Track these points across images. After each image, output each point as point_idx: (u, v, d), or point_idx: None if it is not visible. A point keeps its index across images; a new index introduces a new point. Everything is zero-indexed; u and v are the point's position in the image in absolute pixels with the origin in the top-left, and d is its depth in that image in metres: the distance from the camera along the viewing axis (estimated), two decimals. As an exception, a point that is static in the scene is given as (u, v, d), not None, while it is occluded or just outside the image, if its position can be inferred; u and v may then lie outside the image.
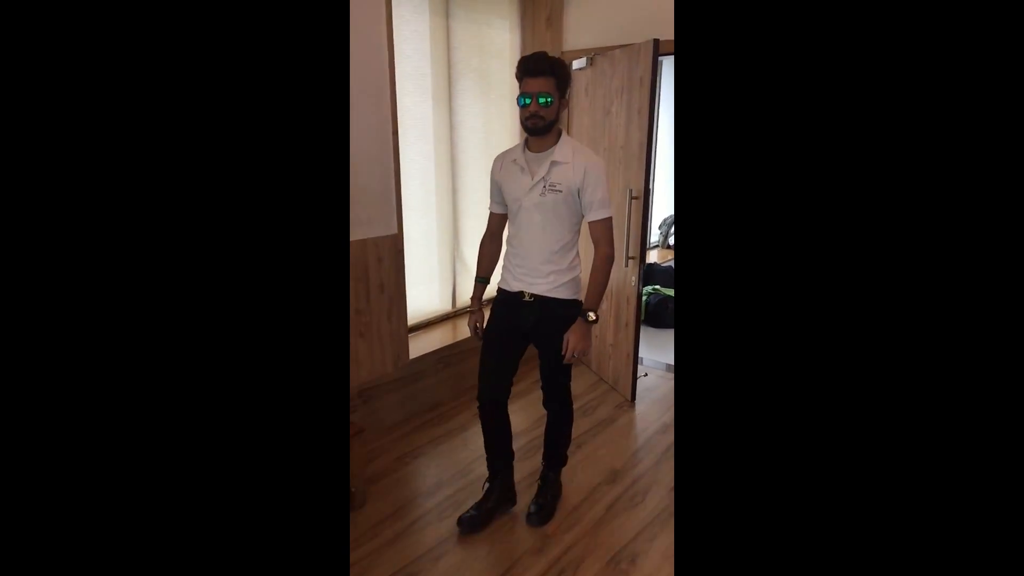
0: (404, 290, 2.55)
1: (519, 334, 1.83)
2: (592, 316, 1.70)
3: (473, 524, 1.88)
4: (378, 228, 2.36)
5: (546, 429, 2.00)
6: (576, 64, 2.99)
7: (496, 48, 3.08)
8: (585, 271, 1.79)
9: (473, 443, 2.45)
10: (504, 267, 1.86)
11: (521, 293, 1.78)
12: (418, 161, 2.76)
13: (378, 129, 2.27)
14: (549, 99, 1.61)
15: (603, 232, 1.71)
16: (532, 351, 1.92)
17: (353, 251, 2.28)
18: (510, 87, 3.20)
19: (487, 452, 1.95)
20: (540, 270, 1.74)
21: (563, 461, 2.06)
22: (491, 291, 1.98)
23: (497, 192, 1.84)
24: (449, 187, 2.99)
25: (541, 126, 1.63)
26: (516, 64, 1.67)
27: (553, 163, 1.66)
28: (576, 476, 2.22)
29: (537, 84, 1.60)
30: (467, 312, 1.97)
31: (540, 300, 1.76)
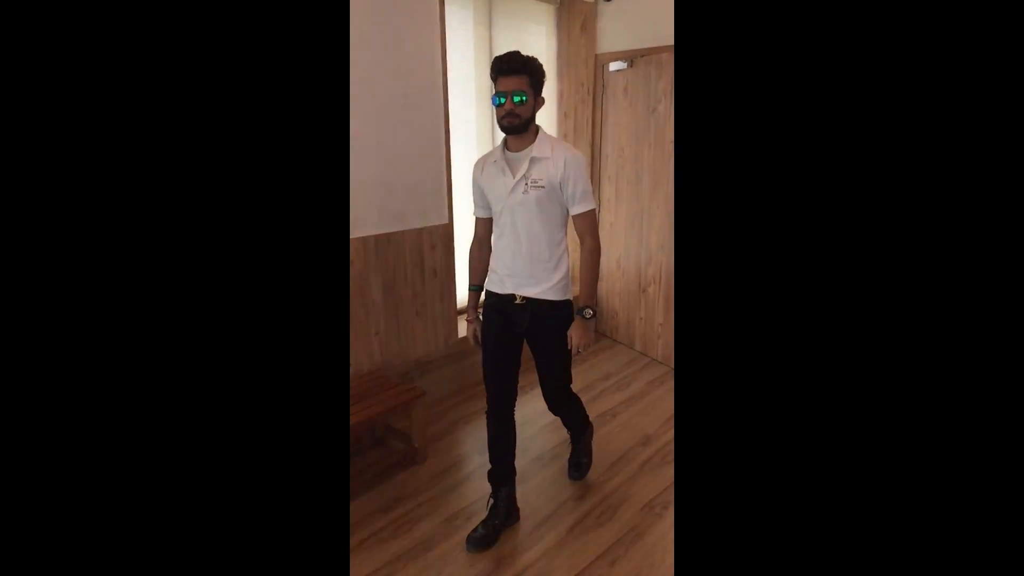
0: (454, 275, 2.81)
1: (514, 336, 1.81)
2: (589, 312, 1.71)
3: (481, 543, 1.83)
4: (432, 218, 2.63)
5: (563, 421, 2.10)
6: (613, 66, 3.22)
7: (534, 52, 3.31)
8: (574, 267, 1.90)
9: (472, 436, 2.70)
10: (492, 270, 1.83)
11: (512, 296, 1.76)
12: (466, 158, 3.03)
13: (432, 129, 2.54)
14: (524, 97, 1.60)
15: (587, 225, 1.70)
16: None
17: (409, 238, 2.56)
18: (545, 89, 3.44)
19: (491, 460, 1.91)
20: (529, 271, 1.72)
21: (588, 432, 2.18)
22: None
23: (480, 196, 1.81)
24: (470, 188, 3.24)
25: (517, 124, 1.62)
26: (491, 64, 1.64)
27: (533, 159, 1.65)
28: (611, 441, 2.45)
29: (511, 83, 1.59)
30: (467, 321, 1.95)
31: (532, 302, 1.74)
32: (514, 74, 1.60)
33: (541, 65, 1.66)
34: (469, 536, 1.85)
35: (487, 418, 1.88)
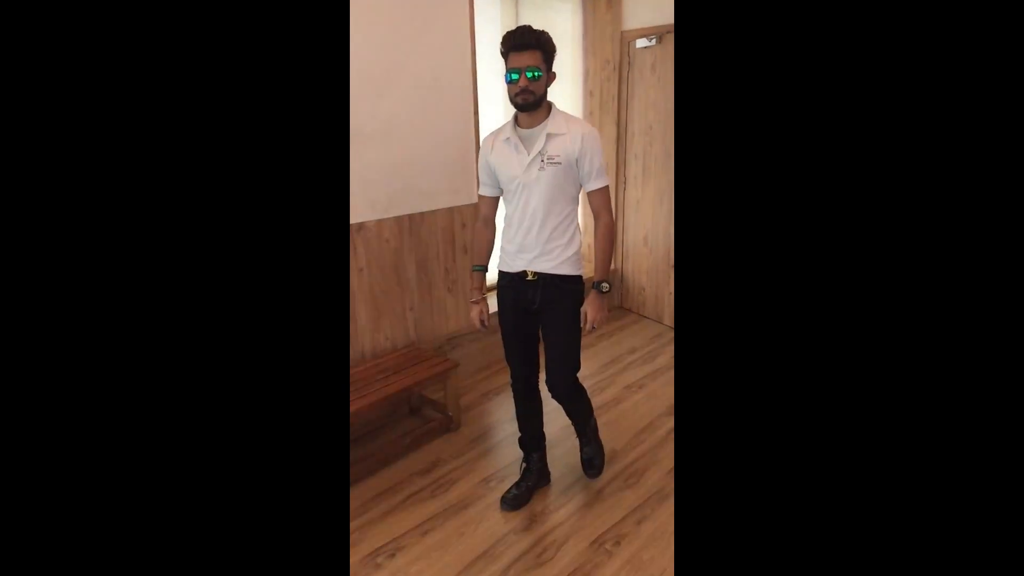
0: (484, 252, 2.90)
1: (528, 313, 1.80)
2: (606, 287, 1.71)
3: (516, 502, 1.93)
4: (462, 197, 2.71)
5: (569, 416, 1.98)
6: (640, 43, 3.23)
7: (560, 31, 3.36)
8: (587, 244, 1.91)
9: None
10: (502, 249, 1.81)
11: (524, 273, 1.75)
12: (493, 138, 3.09)
13: (461, 110, 2.61)
14: (538, 73, 1.56)
15: (602, 201, 1.70)
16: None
17: (441, 217, 2.65)
18: (571, 67, 3.47)
19: (520, 430, 1.99)
20: (543, 247, 1.70)
21: (594, 425, 2.07)
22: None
23: (489, 175, 1.77)
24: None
25: (532, 101, 1.59)
26: (502, 40, 1.60)
27: (549, 135, 1.63)
28: (638, 409, 2.53)
29: (524, 59, 1.55)
30: (471, 303, 1.89)
31: (544, 278, 1.73)
32: (527, 49, 1.55)
33: (552, 39, 1.62)
34: (503, 496, 1.95)
35: (513, 392, 1.95)
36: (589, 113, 3.55)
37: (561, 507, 1.95)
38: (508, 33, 1.59)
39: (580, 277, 1.77)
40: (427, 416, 2.51)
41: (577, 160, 1.65)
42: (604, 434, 2.37)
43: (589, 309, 1.71)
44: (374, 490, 2.05)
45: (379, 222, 2.40)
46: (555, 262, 1.72)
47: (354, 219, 2.31)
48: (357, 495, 2.02)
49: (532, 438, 1.99)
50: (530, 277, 1.74)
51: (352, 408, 2.03)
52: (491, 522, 1.88)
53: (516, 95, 1.59)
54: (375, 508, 1.95)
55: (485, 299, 1.89)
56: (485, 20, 2.91)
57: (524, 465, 2.01)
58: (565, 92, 3.47)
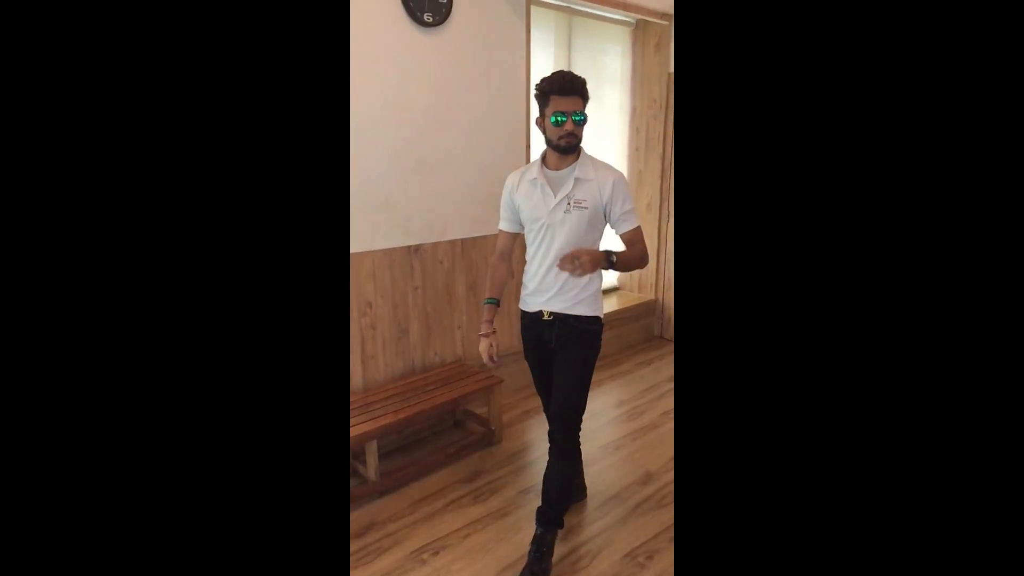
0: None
1: (548, 352, 1.80)
2: (614, 258, 1.66)
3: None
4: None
5: (547, 474, 1.80)
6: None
7: (610, 71, 3.54)
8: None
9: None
10: (523, 287, 1.83)
11: (540, 312, 1.76)
12: (542, 170, 3.27)
13: (513, 143, 2.80)
14: (584, 116, 1.62)
15: (635, 237, 1.71)
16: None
17: (490, 242, 2.82)
18: (619, 105, 3.64)
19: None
20: (560, 287, 1.72)
21: (561, 522, 1.82)
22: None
23: (512, 212, 1.81)
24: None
25: (575, 144, 1.64)
26: (541, 82, 1.64)
27: (577, 180, 1.66)
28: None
29: (571, 103, 1.61)
30: (481, 336, 1.84)
31: (560, 318, 1.74)
32: (575, 94, 1.61)
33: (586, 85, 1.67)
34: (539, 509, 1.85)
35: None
36: (635, 149, 3.70)
37: (595, 522, 2.03)
38: (554, 76, 1.63)
39: (597, 319, 1.76)
40: (470, 429, 2.64)
41: (607, 205, 1.68)
42: (642, 455, 2.45)
43: (586, 254, 1.59)
44: (420, 493, 2.18)
45: (434, 244, 2.58)
46: (571, 302, 1.72)
47: (413, 241, 2.50)
48: (404, 497, 2.15)
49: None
50: (546, 317, 1.75)
51: (401, 416, 2.18)
52: (528, 531, 1.98)
53: (561, 138, 1.62)
54: (420, 510, 2.08)
55: (495, 332, 1.83)
56: (539, 62, 3.12)
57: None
58: (613, 128, 3.64)
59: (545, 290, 1.75)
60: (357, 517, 2.04)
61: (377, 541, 1.92)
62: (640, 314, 3.77)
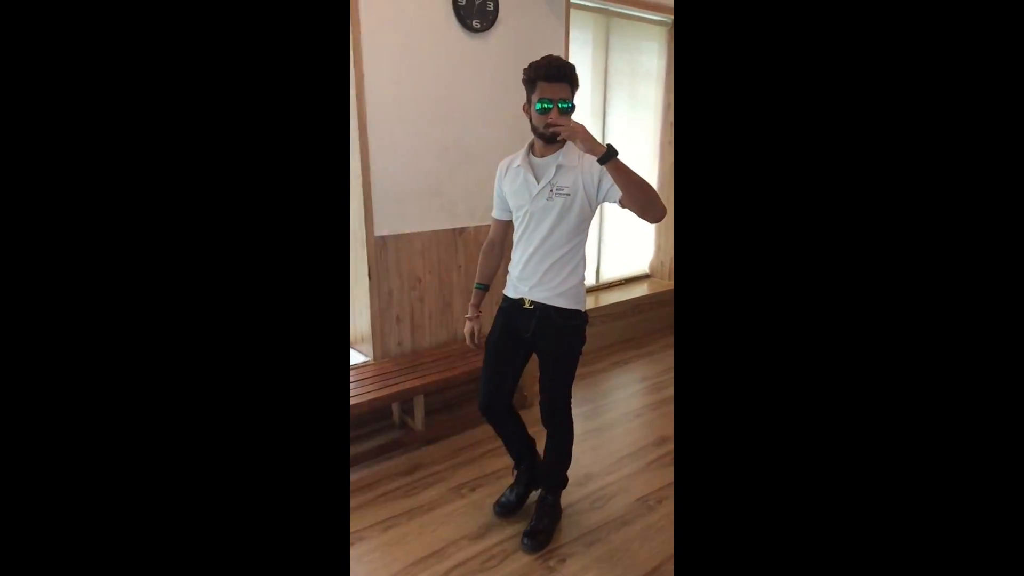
0: (563, 260, 3.32)
1: (520, 341, 1.79)
2: (613, 153, 1.42)
3: (506, 509, 2.00)
4: (547, 211, 3.15)
5: (545, 452, 1.93)
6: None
7: (645, 70, 3.75)
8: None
9: (605, 383, 3.15)
10: (508, 273, 1.83)
11: (521, 300, 1.75)
12: (578, 162, 3.52)
13: (552, 137, 3.06)
14: (570, 104, 1.56)
15: None
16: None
17: (529, 227, 3.10)
18: (655, 100, 3.85)
19: (507, 450, 2.02)
20: (541, 276, 1.70)
21: (563, 483, 2.00)
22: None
23: (501, 200, 1.80)
24: (600, 183, 3.71)
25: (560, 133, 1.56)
26: (528, 67, 1.56)
27: (559, 167, 1.62)
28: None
29: (558, 90, 1.53)
30: (466, 319, 1.94)
31: (540, 308, 1.72)
32: (562, 81, 1.54)
33: (577, 74, 1.60)
34: (496, 502, 2.02)
35: (483, 415, 1.92)
36: (668, 142, 3.90)
37: (613, 472, 2.30)
38: (542, 61, 1.55)
39: (580, 313, 1.74)
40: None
41: (597, 186, 1.60)
42: (658, 423, 2.69)
43: (580, 128, 1.44)
44: (460, 444, 2.49)
45: (476, 228, 2.87)
46: (551, 292, 1.70)
47: (458, 224, 2.80)
48: (446, 446, 2.47)
49: (519, 452, 2.00)
50: (527, 305, 1.74)
51: (444, 376, 2.49)
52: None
53: (546, 127, 1.54)
54: (460, 456, 2.38)
55: (479, 317, 1.91)
56: (577, 60, 3.36)
57: (515, 472, 2.05)
58: (648, 123, 3.85)
59: (527, 278, 1.73)
60: (405, 460, 2.36)
61: (423, 479, 2.24)
62: (668, 300, 3.98)
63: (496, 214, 1.87)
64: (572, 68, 1.58)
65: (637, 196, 1.49)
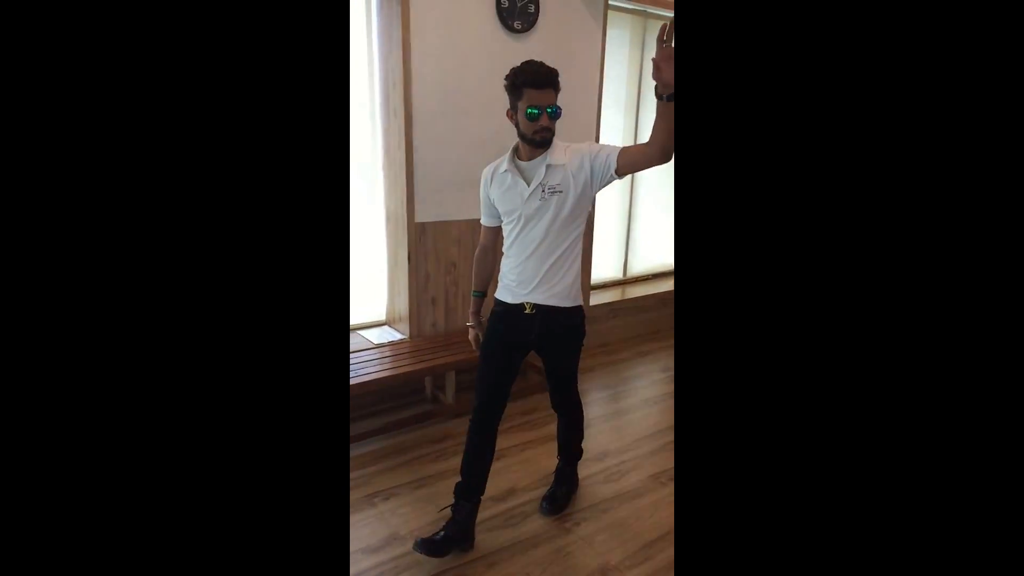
0: (591, 255, 3.46)
1: (520, 348, 1.77)
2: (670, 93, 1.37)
3: (432, 548, 1.74)
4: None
5: (559, 430, 2.05)
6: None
7: (680, 69, 3.84)
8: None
9: (627, 371, 3.29)
10: (502, 278, 1.79)
11: (522, 306, 1.72)
12: (610, 158, 3.65)
13: (587, 133, 3.20)
14: (556, 110, 1.59)
15: (634, 147, 1.56)
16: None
17: (560, 219, 3.25)
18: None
19: (463, 472, 1.80)
20: (539, 278, 1.68)
21: (579, 454, 2.11)
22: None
23: (489, 206, 1.77)
24: (628, 179, 3.83)
25: (549, 138, 1.61)
26: (511, 73, 1.59)
27: (549, 167, 1.63)
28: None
29: (545, 97, 1.56)
30: (468, 327, 1.96)
31: (542, 310, 1.70)
32: (549, 87, 1.57)
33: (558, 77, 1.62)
34: (421, 538, 1.76)
35: (470, 426, 1.80)
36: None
37: (630, 451, 2.44)
38: (527, 68, 1.56)
39: (579, 309, 1.76)
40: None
41: (590, 171, 1.60)
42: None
43: (664, 64, 1.35)
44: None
45: (511, 218, 3.04)
46: (551, 292, 1.69)
47: (492, 214, 2.97)
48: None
49: (472, 481, 1.80)
50: (528, 310, 1.72)
51: (473, 355, 2.65)
52: (572, 453, 2.43)
53: (536, 132, 1.58)
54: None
55: (481, 324, 1.90)
56: (614, 61, 3.48)
57: (451, 516, 1.81)
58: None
59: (526, 281, 1.71)
60: (436, 429, 2.55)
61: (452, 446, 2.42)
62: (694, 295, 4.07)
63: (485, 221, 1.84)
64: (556, 73, 1.60)
65: (671, 130, 1.43)
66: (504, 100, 2.90)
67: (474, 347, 1.93)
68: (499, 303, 1.79)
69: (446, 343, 2.77)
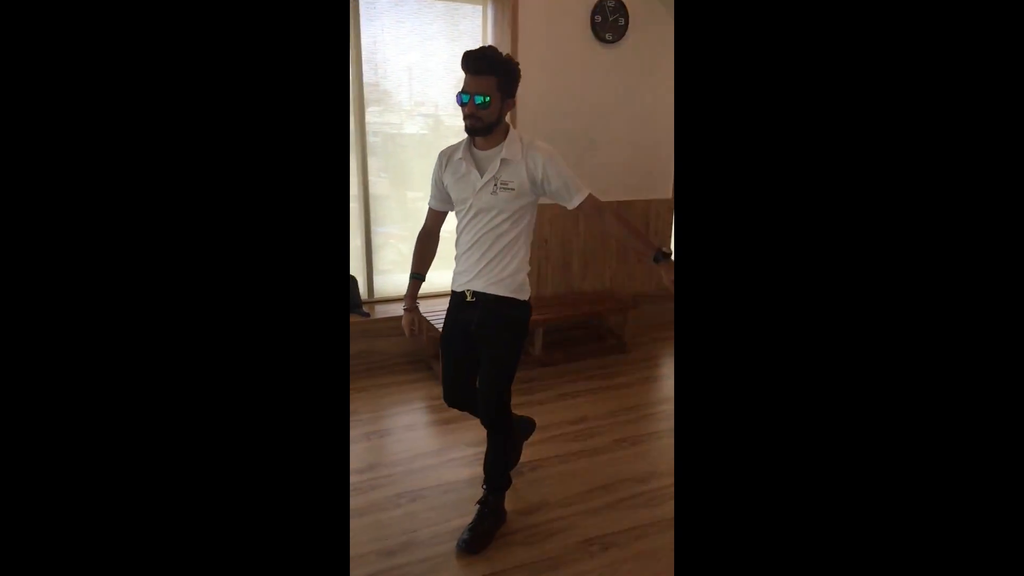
0: (671, 240, 3.84)
1: (468, 335, 1.75)
2: (667, 250, 1.61)
3: (469, 546, 1.80)
4: (657, 193, 3.70)
5: (487, 451, 1.83)
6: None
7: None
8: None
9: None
10: (454, 267, 1.79)
11: (464, 293, 1.73)
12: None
13: (665, 131, 3.60)
14: (486, 99, 1.52)
15: (593, 208, 1.66)
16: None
17: (639, 206, 3.67)
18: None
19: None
20: (481, 267, 1.68)
21: (506, 484, 1.89)
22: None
23: (439, 190, 1.76)
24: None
25: (480, 127, 1.56)
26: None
27: (503, 161, 1.60)
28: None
29: (475, 84, 1.52)
30: (404, 310, 1.86)
31: (481, 299, 1.70)
32: (479, 74, 1.52)
33: (515, 66, 1.58)
34: (460, 539, 1.81)
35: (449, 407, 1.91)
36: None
37: (649, 441, 2.84)
38: (465, 53, 1.54)
39: (517, 301, 1.71)
40: (607, 343, 3.57)
41: (541, 185, 1.62)
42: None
43: (665, 273, 1.60)
44: (569, 370, 3.17)
45: (596, 203, 3.52)
46: (490, 281, 1.68)
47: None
48: (558, 370, 3.15)
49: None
50: (469, 298, 1.73)
51: (560, 314, 3.18)
52: (634, 399, 2.86)
53: (465, 118, 1.57)
54: (566, 376, 3.06)
55: (416, 308, 1.87)
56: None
57: (479, 507, 1.88)
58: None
59: (467, 270, 1.72)
60: (524, 375, 3.08)
61: (537, 389, 2.95)
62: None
63: (432, 204, 1.82)
64: (497, 61, 1.53)
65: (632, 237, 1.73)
66: (596, 100, 3.40)
67: (406, 333, 1.87)
68: (452, 293, 1.81)
69: (537, 305, 3.27)
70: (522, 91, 3.29)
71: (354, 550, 1.78)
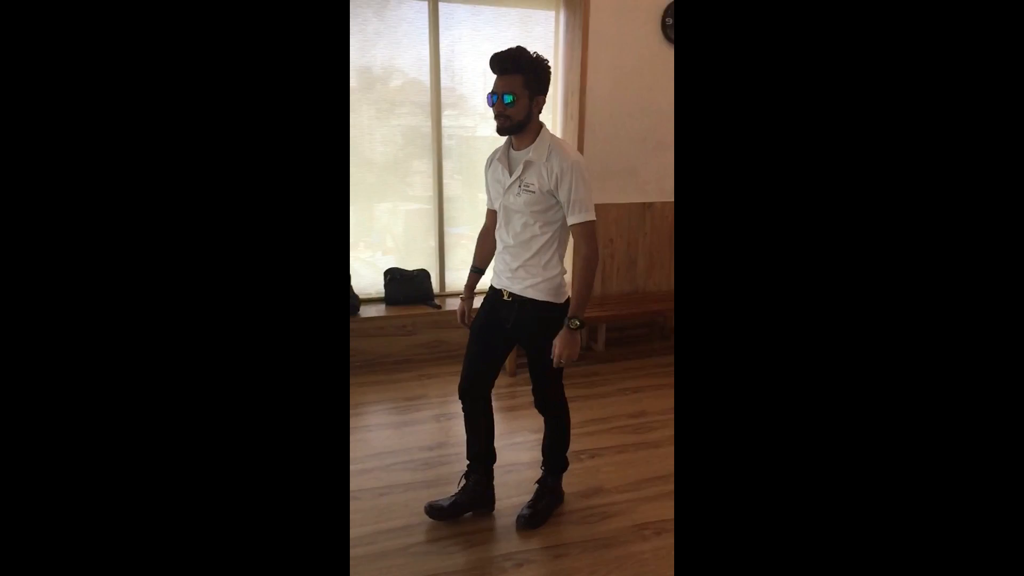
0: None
1: (501, 331, 1.79)
2: (576, 323, 1.62)
3: (440, 513, 1.91)
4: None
5: (544, 435, 1.96)
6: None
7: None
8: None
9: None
10: (493, 264, 1.86)
11: (501, 292, 1.77)
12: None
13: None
14: (512, 98, 1.56)
15: (582, 235, 1.63)
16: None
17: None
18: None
19: (467, 443, 1.94)
20: (517, 269, 1.71)
21: (563, 465, 1.99)
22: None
23: (487, 190, 1.83)
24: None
25: (508, 125, 1.60)
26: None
27: (527, 162, 1.62)
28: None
29: (501, 83, 1.56)
30: (460, 299, 1.97)
31: (517, 300, 1.73)
32: (506, 74, 1.56)
33: (543, 64, 1.60)
34: (430, 503, 1.93)
35: (461, 403, 1.90)
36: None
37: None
38: (493, 55, 1.58)
39: (557, 306, 1.72)
40: (669, 339, 3.59)
41: (554, 191, 1.61)
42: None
43: (557, 342, 1.64)
44: (630, 365, 3.23)
45: (663, 203, 3.54)
46: (524, 284, 1.71)
47: (647, 199, 3.50)
48: (618, 365, 3.23)
49: (475, 449, 1.93)
50: (505, 297, 1.76)
51: (622, 312, 3.25)
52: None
53: (495, 118, 1.61)
54: (628, 371, 3.13)
55: (471, 298, 1.94)
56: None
57: (463, 482, 1.96)
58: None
59: (503, 271, 1.77)
60: (587, 368, 3.18)
61: (599, 382, 3.03)
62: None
63: (488, 203, 1.87)
64: (523, 59, 1.57)
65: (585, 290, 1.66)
66: (662, 101, 3.41)
67: (459, 320, 1.95)
68: (490, 287, 1.85)
69: (601, 302, 3.39)
70: (590, 95, 3.46)
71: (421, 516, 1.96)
